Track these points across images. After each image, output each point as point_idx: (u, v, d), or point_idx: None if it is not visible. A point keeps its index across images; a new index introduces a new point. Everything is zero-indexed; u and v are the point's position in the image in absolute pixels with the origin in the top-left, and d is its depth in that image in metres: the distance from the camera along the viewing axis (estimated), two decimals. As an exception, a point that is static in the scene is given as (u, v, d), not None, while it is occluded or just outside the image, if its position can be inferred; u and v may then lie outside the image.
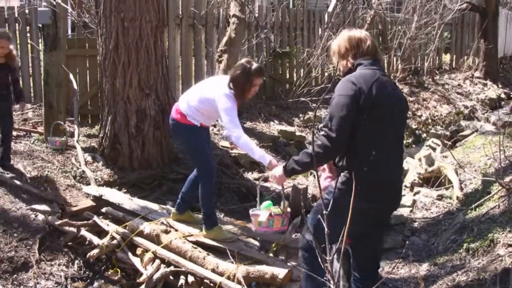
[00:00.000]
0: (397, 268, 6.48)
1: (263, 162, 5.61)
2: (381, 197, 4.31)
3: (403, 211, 8.04)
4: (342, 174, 4.41)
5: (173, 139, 8.74)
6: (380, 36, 16.81)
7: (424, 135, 13.94)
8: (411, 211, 8.12)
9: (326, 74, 13.99)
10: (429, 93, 16.64)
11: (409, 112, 15.05)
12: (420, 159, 9.30)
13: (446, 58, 20.13)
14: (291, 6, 20.52)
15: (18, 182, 7.67)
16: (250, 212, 5.58)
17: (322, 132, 4.33)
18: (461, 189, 8.17)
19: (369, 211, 4.27)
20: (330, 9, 16.15)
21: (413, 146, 13.51)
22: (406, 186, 9.21)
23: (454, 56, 19.86)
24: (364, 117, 4.22)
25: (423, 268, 6.25)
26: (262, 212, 5.41)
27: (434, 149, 9.96)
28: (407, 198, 8.54)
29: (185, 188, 6.62)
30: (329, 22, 14.74)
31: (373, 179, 4.31)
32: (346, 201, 4.29)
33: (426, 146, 10.33)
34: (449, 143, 11.23)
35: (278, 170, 4.74)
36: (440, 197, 8.26)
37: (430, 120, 15.06)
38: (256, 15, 13.36)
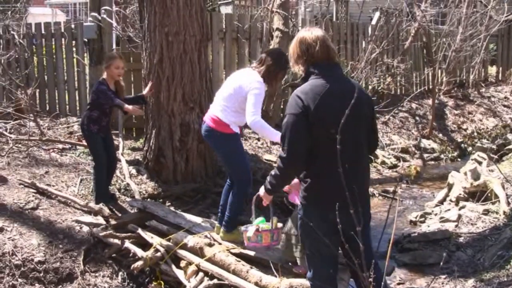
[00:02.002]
0: (442, 284, 6.39)
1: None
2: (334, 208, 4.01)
3: (448, 226, 7.93)
4: (301, 188, 4.46)
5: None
6: (425, 48, 16.65)
7: (470, 148, 13.74)
8: (456, 225, 8.00)
9: (370, 87, 13.90)
10: (474, 106, 16.43)
11: (454, 125, 14.89)
12: (465, 173, 9.17)
13: (492, 70, 19.82)
14: (334, 19, 20.49)
15: (63, 194, 7.77)
16: (242, 228, 5.79)
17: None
18: (508, 203, 8.03)
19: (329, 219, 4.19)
20: (373, 22, 16.05)
21: (459, 159, 13.34)
22: (451, 201, 9.09)
23: (501, 68, 19.51)
24: (314, 130, 4.21)
25: (469, 284, 6.14)
26: (251, 228, 5.56)
27: (480, 163, 9.81)
28: (452, 212, 8.43)
29: (223, 201, 6.65)
30: (372, 35, 14.66)
31: (323, 191, 4.34)
32: (310, 212, 4.34)
33: (472, 160, 10.17)
34: (496, 156, 11.06)
35: (262, 189, 4.85)
36: (486, 212, 8.13)
37: (475, 134, 14.86)
38: (300, 28, 13.36)
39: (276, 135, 5.68)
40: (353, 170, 4.19)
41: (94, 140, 7.71)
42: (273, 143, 10.73)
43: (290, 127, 4.24)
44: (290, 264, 5.85)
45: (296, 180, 4.97)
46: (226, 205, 6.56)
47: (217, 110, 6.28)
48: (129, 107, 7.59)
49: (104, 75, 7.65)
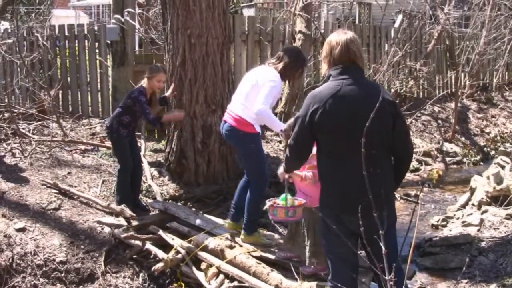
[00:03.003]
0: (464, 288, 6.35)
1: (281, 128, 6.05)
2: (343, 210, 4.37)
3: (470, 230, 7.87)
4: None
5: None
6: (448, 51, 16.56)
7: (493, 152, 13.61)
8: (478, 230, 7.93)
9: (392, 90, 13.83)
10: (498, 110, 16.31)
11: (477, 129, 14.78)
12: (488, 177, 9.09)
13: (516, 74, 19.69)
14: (357, 22, 20.44)
15: (85, 195, 7.81)
16: (266, 201, 5.92)
17: None
18: (532, 208, 7.96)
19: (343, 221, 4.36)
20: (396, 24, 16.01)
21: (481, 163, 13.22)
22: (473, 205, 9.02)
23: (525, 72, 19.39)
24: (321, 132, 4.34)
25: (491, 289, 6.09)
26: (269, 202, 5.75)
27: (503, 167, 9.71)
28: (474, 216, 8.36)
29: (236, 197, 6.75)
30: (395, 38, 14.61)
31: (333, 193, 4.44)
32: (326, 214, 4.40)
33: (495, 163, 10.07)
34: (519, 161, 10.94)
35: (281, 167, 5.27)
36: (509, 216, 8.05)
37: (499, 137, 14.73)
38: (322, 31, 13.34)
39: (279, 126, 6.03)
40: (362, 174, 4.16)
41: (122, 144, 7.71)
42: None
43: (297, 123, 4.48)
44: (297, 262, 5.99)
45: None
46: (239, 202, 6.64)
47: (238, 109, 6.30)
48: (168, 116, 7.94)
49: (144, 83, 7.64)
